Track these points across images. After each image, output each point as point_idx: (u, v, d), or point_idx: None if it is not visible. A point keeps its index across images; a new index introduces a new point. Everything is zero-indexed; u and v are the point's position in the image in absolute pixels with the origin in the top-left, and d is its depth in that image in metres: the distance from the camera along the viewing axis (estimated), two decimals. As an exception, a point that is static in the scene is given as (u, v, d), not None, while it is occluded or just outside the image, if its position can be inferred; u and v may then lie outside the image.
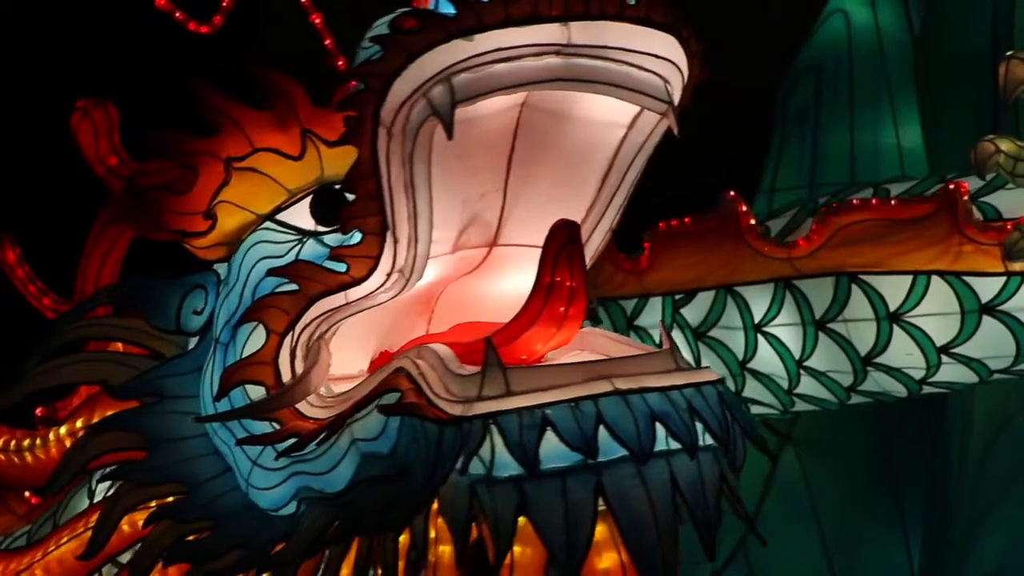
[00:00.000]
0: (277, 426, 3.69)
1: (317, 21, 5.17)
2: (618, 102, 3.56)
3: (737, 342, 5.79)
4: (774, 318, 5.70)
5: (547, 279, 3.55)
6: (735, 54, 8.18)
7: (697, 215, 5.87)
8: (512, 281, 3.91)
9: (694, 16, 3.55)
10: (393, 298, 3.68)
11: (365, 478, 3.56)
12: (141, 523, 4.02)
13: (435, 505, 3.48)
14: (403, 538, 3.60)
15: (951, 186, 5.34)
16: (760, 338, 5.74)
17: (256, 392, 3.73)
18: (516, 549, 3.55)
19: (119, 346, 4.26)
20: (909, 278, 5.41)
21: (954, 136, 7.10)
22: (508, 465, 3.30)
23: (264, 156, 3.89)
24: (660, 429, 3.31)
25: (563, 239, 3.55)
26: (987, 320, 5.31)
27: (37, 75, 8.11)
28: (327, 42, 5.09)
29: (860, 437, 7.74)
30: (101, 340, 4.25)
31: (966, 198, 5.29)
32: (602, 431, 3.27)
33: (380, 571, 3.65)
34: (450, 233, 3.79)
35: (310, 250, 3.80)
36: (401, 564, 3.61)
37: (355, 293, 3.65)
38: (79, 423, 4.29)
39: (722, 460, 3.42)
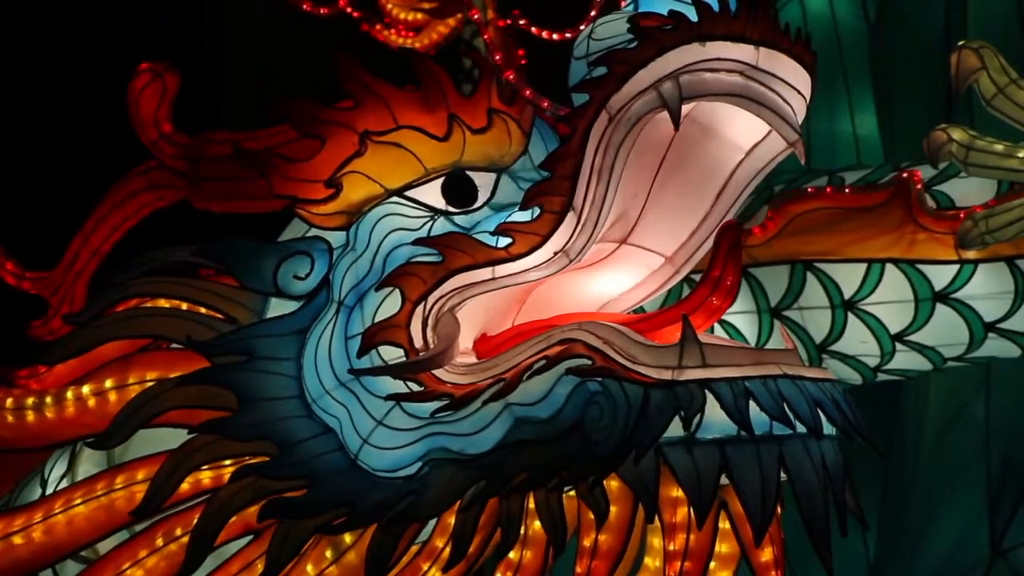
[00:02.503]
0: (416, 387, 3.75)
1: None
2: (748, 127, 3.85)
3: (694, 330, 5.80)
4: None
5: (717, 272, 3.81)
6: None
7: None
8: (611, 281, 4.11)
9: (808, 47, 3.86)
10: (546, 276, 3.78)
11: (516, 440, 3.66)
12: (185, 485, 3.90)
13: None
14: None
15: (905, 175, 5.37)
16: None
17: (389, 355, 3.78)
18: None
19: (163, 303, 4.16)
20: (863, 266, 5.44)
21: (909, 124, 7.14)
22: (714, 428, 3.56)
23: (408, 133, 3.92)
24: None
25: (732, 239, 3.81)
26: (941, 308, 5.35)
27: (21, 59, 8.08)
28: (486, 36, 5.09)
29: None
30: (169, 298, 4.14)
31: (920, 187, 5.33)
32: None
33: (536, 531, 3.86)
34: (607, 224, 3.90)
35: (441, 227, 3.89)
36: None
37: (504, 269, 3.75)
38: (108, 383, 4.13)
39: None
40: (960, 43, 5.24)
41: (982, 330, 5.38)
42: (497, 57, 4.62)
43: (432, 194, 3.94)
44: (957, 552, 7.21)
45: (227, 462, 3.92)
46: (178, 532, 3.95)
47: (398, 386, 3.80)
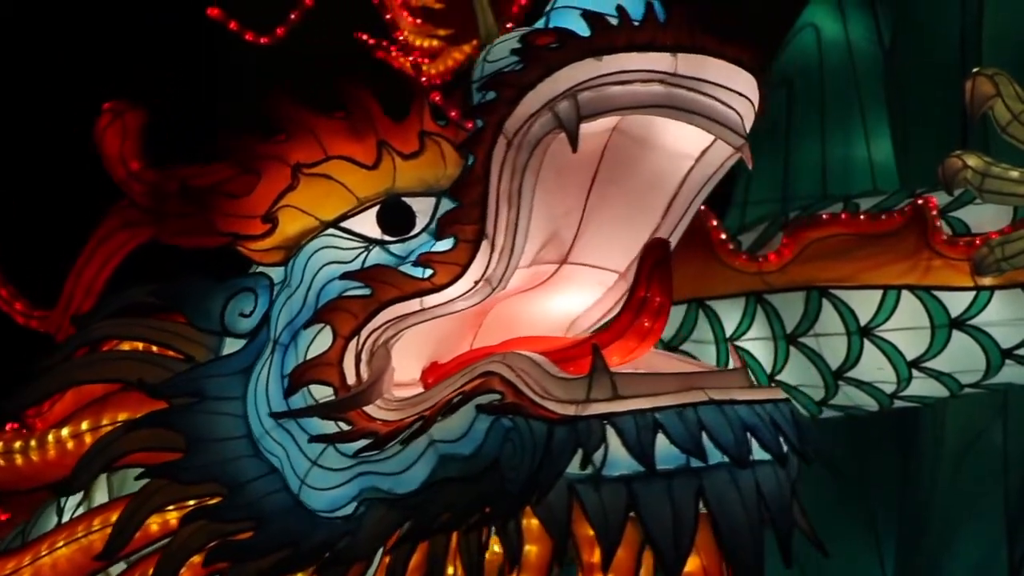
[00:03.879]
0: (345, 426, 3.72)
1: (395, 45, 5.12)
2: (692, 134, 3.70)
3: (709, 356, 5.80)
4: (745, 332, 5.71)
5: (641, 293, 3.67)
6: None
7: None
8: (563, 300, 4.00)
9: (747, 46, 3.71)
10: (471, 307, 3.73)
11: (442, 479, 3.60)
12: (153, 527, 3.94)
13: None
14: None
15: (920, 201, 5.37)
16: (730, 350, 5.75)
17: (319, 393, 3.74)
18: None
19: (126, 346, 4.19)
20: (879, 292, 5.43)
21: (924, 150, 7.13)
22: (620, 465, 3.39)
23: (337, 163, 3.89)
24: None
25: (658, 256, 3.68)
26: (957, 335, 5.34)
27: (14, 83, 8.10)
28: (407, 59, 5.08)
29: (833, 451, 7.75)
30: (130, 340, 4.17)
31: (935, 213, 5.32)
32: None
33: (461, 571, 3.71)
34: (533, 247, 3.83)
35: (375, 258, 3.82)
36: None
37: (432, 300, 3.69)
38: (84, 425, 4.17)
39: (792, 473, 3.54)
40: (975, 70, 5.24)
41: (999, 356, 5.36)
42: (424, 79, 4.57)
43: (367, 224, 3.87)
44: (976, 577, 7.18)
45: (191, 503, 3.89)
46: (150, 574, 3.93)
47: (331, 426, 3.74)
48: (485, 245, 3.62)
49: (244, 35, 5.27)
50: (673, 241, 3.96)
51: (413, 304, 3.69)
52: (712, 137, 3.72)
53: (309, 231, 3.90)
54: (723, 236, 5.70)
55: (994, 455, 7.18)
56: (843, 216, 5.57)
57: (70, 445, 4.13)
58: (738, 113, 3.68)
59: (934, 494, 7.36)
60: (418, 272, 3.68)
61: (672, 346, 5.83)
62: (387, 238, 3.84)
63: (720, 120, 3.62)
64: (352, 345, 3.69)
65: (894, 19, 8.21)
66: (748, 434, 3.40)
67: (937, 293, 5.31)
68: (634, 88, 3.54)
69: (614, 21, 3.53)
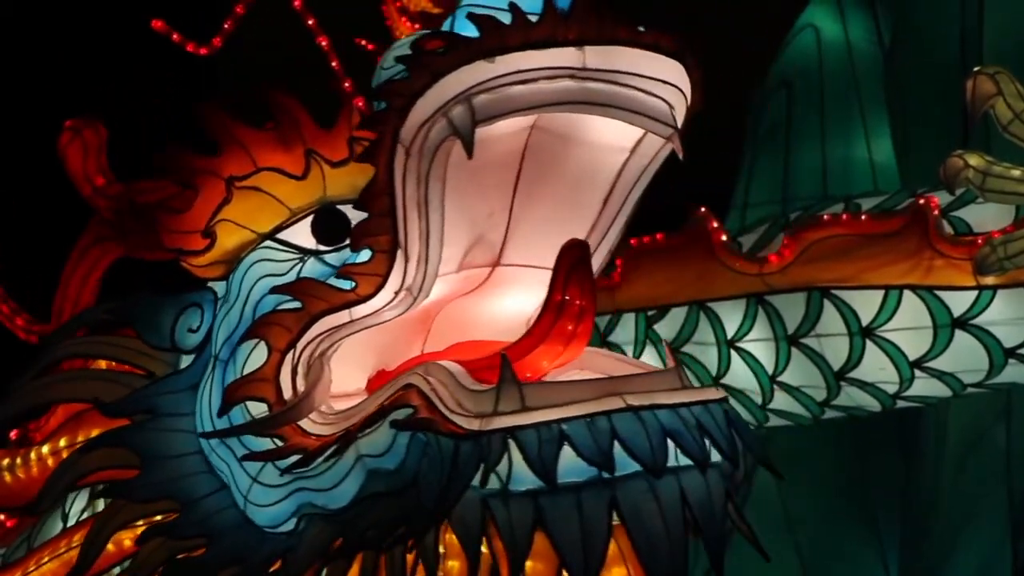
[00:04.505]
0: (280, 443, 3.70)
1: (324, 44, 5.14)
2: (622, 126, 3.61)
3: (710, 358, 5.79)
4: (747, 333, 5.70)
5: (558, 297, 3.59)
6: (706, 70, 8.18)
7: (668, 231, 5.87)
8: (511, 301, 3.92)
9: (664, 32, 3.59)
10: (398, 316, 3.70)
11: (370, 494, 3.56)
12: (126, 542, 3.99)
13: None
14: (409, 554, 3.62)
15: (921, 201, 5.35)
16: (733, 353, 5.74)
17: (256, 409, 3.72)
18: (528, 564, 3.56)
19: (102, 364, 4.22)
20: (881, 293, 5.42)
21: (925, 150, 7.12)
22: (525, 479, 3.32)
23: (267, 175, 3.89)
24: (670, 445, 3.34)
25: (574, 258, 3.61)
26: (959, 334, 5.32)
27: (13, 94, 8.08)
28: (335, 64, 5.08)
29: (835, 452, 7.74)
30: (93, 358, 4.21)
31: (936, 213, 5.31)
32: (616, 447, 3.30)
33: None
34: (457, 252, 3.81)
35: (311, 269, 3.80)
36: None
37: (360, 311, 3.66)
38: (62, 442, 4.23)
39: (727, 477, 3.46)
40: (976, 68, 5.23)
41: (1002, 356, 5.34)
42: (347, 84, 4.54)
43: (302, 234, 3.86)
44: (980, 578, 7.16)
45: (140, 521, 3.92)
46: None
47: (269, 443, 3.73)
48: (400, 255, 3.57)
49: (186, 47, 5.29)
50: (614, 236, 3.92)
51: (343, 316, 3.66)
52: (641, 129, 3.64)
53: (247, 244, 3.91)
54: (724, 238, 5.69)
55: (997, 456, 7.17)
56: (844, 217, 5.55)
57: (50, 462, 4.20)
58: (666, 102, 3.59)
59: (937, 495, 7.35)
60: (344, 284, 3.65)
61: (674, 348, 5.83)
62: (322, 248, 3.82)
63: (642, 111, 3.54)
64: (288, 359, 3.67)
65: (894, 19, 8.20)
66: (668, 440, 3.32)
67: (939, 293, 5.29)
68: (539, 86, 3.45)
69: (507, 20, 3.42)
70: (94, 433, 4.08)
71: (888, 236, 5.37)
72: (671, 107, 3.61)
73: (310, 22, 5.29)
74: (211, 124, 3.91)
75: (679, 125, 3.64)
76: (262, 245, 3.91)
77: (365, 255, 3.63)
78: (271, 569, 3.77)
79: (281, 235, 3.90)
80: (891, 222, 5.39)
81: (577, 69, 3.47)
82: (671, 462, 3.34)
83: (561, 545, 3.31)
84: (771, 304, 5.63)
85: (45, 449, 4.24)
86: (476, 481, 3.37)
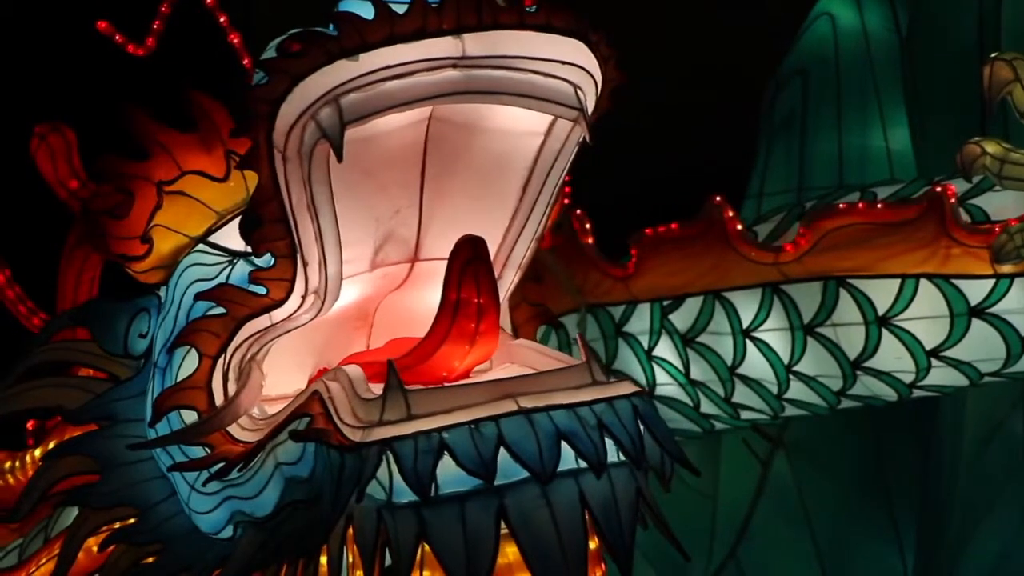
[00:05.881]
0: (210, 451, 3.66)
1: (235, 41, 5.14)
2: (527, 111, 3.51)
3: (726, 347, 5.78)
4: (762, 323, 5.68)
5: (452, 296, 3.52)
6: (721, 58, 8.16)
7: (684, 221, 5.85)
8: (438, 295, 3.81)
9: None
10: (313, 319, 3.65)
11: (289, 502, 3.56)
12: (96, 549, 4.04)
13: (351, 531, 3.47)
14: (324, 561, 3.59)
15: (938, 189, 5.32)
16: (749, 343, 5.72)
17: (191, 416, 3.71)
18: (426, 574, 3.50)
19: (89, 370, 4.25)
20: (897, 281, 5.39)
21: (942, 138, 7.08)
22: (406, 491, 3.24)
23: (192, 179, 3.90)
24: (568, 448, 3.24)
25: (467, 256, 3.52)
26: (976, 323, 5.29)
27: (11, 93, 8.09)
28: (245, 62, 5.07)
29: (851, 442, 7.72)
30: (65, 364, 4.25)
31: (953, 201, 5.28)
32: (508, 453, 3.22)
33: None
34: (365, 251, 3.76)
35: (240, 271, 3.74)
36: None
37: (278, 315, 3.62)
38: (52, 445, 4.30)
39: (638, 476, 3.35)
40: (993, 55, 5.19)
41: (1019, 345, 5.31)
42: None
43: (233, 236, 3.81)
44: (997, 569, 7.12)
45: (105, 528, 3.96)
46: None
47: (202, 450, 3.71)
48: (299, 259, 3.51)
49: (127, 47, 5.31)
50: (542, 220, 3.83)
51: (263, 320, 3.62)
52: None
53: (182, 248, 3.92)
54: (739, 227, 5.67)
55: (1015, 444, 7.13)
56: (860, 205, 5.52)
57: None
58: (570, 83, 3.48)
59: (954, 484, 7.32)
60: (259, 289, 3.61)
61: (689, 338, 5.82)
62: (250, 249, 3.73)
63: (539, 95, 3.43)
64: (219, 364, 3.64)
65: (911, 6, 8.15)
66: (561, 443, 3.22)
67: (956, 281, 5.26)
68: (417, 79, 3.33)
69: (370, 15, 3.30)
70: (65, 439, 4.17)
71: (905, 225, 5.34)
72: (577, 88, 3.50)
73: (222, 19, 5.28)
74: (136, 128, 3.91)
75: (589, 106, 3.55)
76: (195, 249, 3.91)
77: (271, 260, 3.58)
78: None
79: (213, 237, 3.91)
80: (908, 210, 5.36)
81: (458, 59, 3.35)
82: (570, 465, 3.25)
83: (444, 558, 3.23)
84: (787, 293, 5.61)
85: (38, 452, 4.33)
86: (377, 491, 3.30)
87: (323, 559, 3.52)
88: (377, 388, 3.41)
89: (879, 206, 5.47)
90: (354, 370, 3.51)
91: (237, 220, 3.78)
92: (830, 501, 7.79)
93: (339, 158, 3.31)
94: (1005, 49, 5.63)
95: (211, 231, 3.90)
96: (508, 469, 3.22)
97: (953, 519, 7.34)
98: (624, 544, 3.26)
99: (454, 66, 3.35)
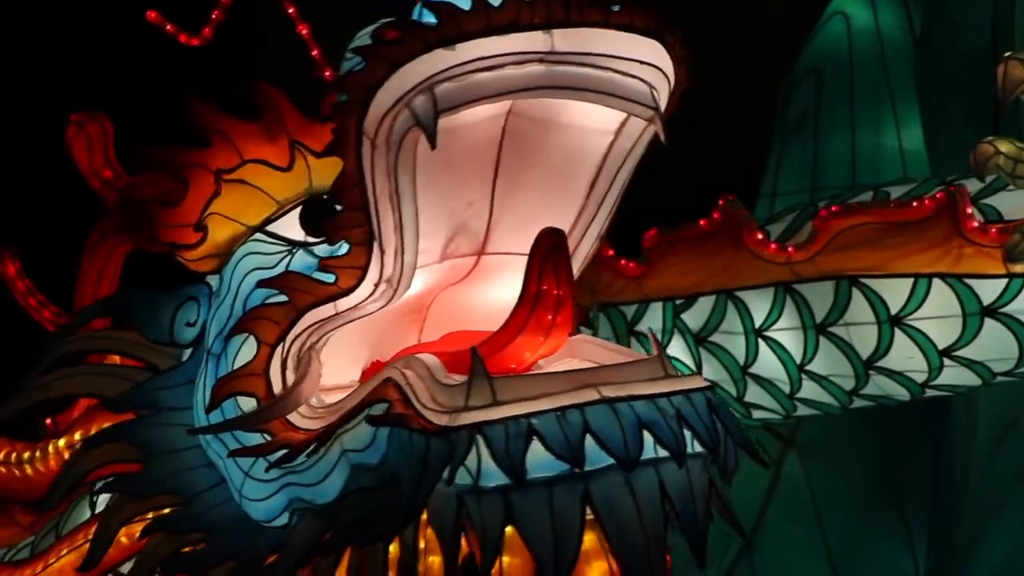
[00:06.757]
0: (268, 438, 3.68)
1: (304, 32, 5.17)
2: (602, 109, 3.55)
3: (738, 347, 5.78)
4: (775, 322, 5.68)
5: (533, 288, 3.55)
6: (735, 57, 8.16)
7: (697, 220, 5.85)
8: (501, 289, 3.89)
9: (694, 20, 3.55)
10: (382, 308, 3.67)
11: (355, 489, 3.57)
12: (138, 535, 4.03)
13: (425, 515, 3.49)
14: (393, 548, 3.59)
15: (951, 188, 5.32)
16: (761, 343, 5.72)
17: (248, 404, 3.73)
18: (505, 559, 3.54)
19: (116, 358, 4.26)
20: (910, 281, 5.38)
21: (955, 138, 7.08)
22: (494, 475, 3.29)
23: (253, 168, 3.90)
24: (648, 437, 3.30)
25: (548, 247, 3.56)
26: (989, 322, 5.28)
27: (32, 85, 8.11)
28: (314, 53, 5.10)
29: (863, 441, 7.72)
30: (99, 352, 4.25)
31: (966, 200, 5.27)
32: (591, 440, 3.27)
33: None
34: (438, 242, 3.78)
35: (300, 261, 3.80)
36: (392, 575, 3.60)
37: (344, 304, 3.65)
38: (77, 435, 4.29)
39: (711, 467, 3.41)
40: (1007, 54, 5.19)
41: (1032, 344, 5.31)
42: (327, 73, 4.54)
43: (291, 226, 3.87)
44: (1009, 568, 7.11)
45: (148, 515, 3.97)
46: None
47: (257, 437, 3.73)
48: (376, 247, 3.54)
49: (179, 38, 5.33)
50: (602, 220, 3.88)
51: (328, 309, 3.65)
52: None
53: (238, 237, 3.93)
54: (752, 226, 5.67)
55: (1028, 444, 7.13)
56: (873, 204, 5.52)
57: (67, 455, 4.23)
58: (646, 83, 3.53)
59: (966, 484, 7.31)
60: (326, 277, 3.63)
61: (701, 337, 5.82)
62: (310, 240, 3.82)
63: (619, 93, 3.48)
64: (278, 353, 3.66)
65: (924, 5, 8.14)
66: (643, 432, 3.28)
67: (969, 281, 5.25)
68: (506, 72, 3.38)
69: (466, 6, 3.35)
70: (107, 426, 4.14)
71: (917, 224, 5.34)
72: (652, 88, 3.55)
73: (290, 10, 5.30)
74: (197, 116, 3.92)
75: (661, 106, 3.59)
76: (252, 238, 3.93)
77: (344, 248, 3.62)
78: (266, 563, 3.78)
79: (270, 227, 3.92)
80: (920, 210, 5.35)
81: (545, 53, 3.40)
82: (649, 454, 3.30)
83: (532, 541, 3.27)
84: (799, 293, 5.61)
85: (61, 443, 4.31)
86: (461, 475, 3.33)
87: (392, 546, 3.56)
88: (455, 377, 3.45)
89: (892, 205, 5.47)
90: (429, 358, 3.54)
91: (296, 210, 3.85)
92: (842, 501, 7.80)
93: (432, 146, 3.35)
94: (1019, 48, 5.62)
95: (269, 220, 3.91)
96: (591, 456, 3.27)
97: (965, 519, 7.33)
98: (699, 531, 3.33)
99: (540, 60, 3.40)
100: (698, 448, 3.37)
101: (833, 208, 5.58)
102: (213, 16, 5.29)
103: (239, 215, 3.92)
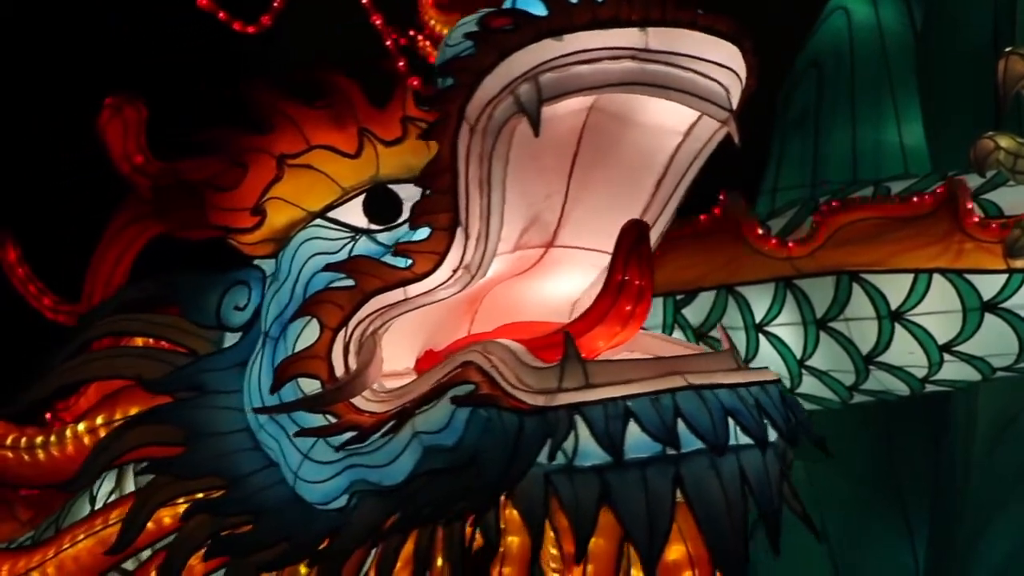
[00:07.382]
0: (332, 419, 3.69)
1: (378, 22, 5.18)
2: (677, 109, 3.61)
3: (738, 342, 5.77)
4: (775, 318, 5.69)
5: (618, 277, 3.61)
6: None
7: (698, 215, 5.86)
8: (561, 283, 3.96)
9: (721, 16, 3.61)
10: (455, 295, 3.67)
11: (427, 470, 3.58)
12: (166, 520, 4.00)
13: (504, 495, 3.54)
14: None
15: (952, 184, 5.32)
16: (761, 338, 5.73)
17: (309, 386, 3.73)
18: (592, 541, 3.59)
19: (138, 342, 4.23)
20: (910, 276, 5.39)
21: (956, 133, 7.07)
22: (591, 455, 3.34)
23: (320, 153, 3.91)
24: (730, 424, 3.38)
25: (634, 238, 3.61)
26: (989, 318, 5.29)
27: (40, 74, 8.11)
28: (388, 43, 5.10)
29: (863, 437, 7.72)
30: (135, 336, 4.21)
31: (967, 196, 5.27)
32: (680, 424, 3.34)
33: (442, 562, 3.68)
34: (514, 232, 3.80)
35: (363, 247, 3.82)
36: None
37: (415, 289, 3.67)
38: (99, 420, 4.24)
39: (784, 456, 3.50)
40: (1008, 49, 5.19)
41: (1032, 340, 5.32)
42: (401, 64, 4.54)
43: (354, 213, 3.88)
44: (1010, 565, 7.12)
45: (180, 499, 3.94)
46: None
47: (321, 419, 3.74)
48: (460, 233, 3.57)
49: (232, 25, 5.32)
50: (665, 220, 3.91)
51: (397, 294, 3.66)
52: (697, 112, 3.64)
53: (297, 222, 3.92)
54: (753, 222, 5.68)
55: (1028, 440, 7.13)
56: (873, 200, 5.52)
57: (86, 440, 4.21)
58: (722, 85, 3.59)
59: (966, 480, 7.31)
60: (399, 262, 3.65)
61: (702, 332, 5.82)
62: (374, 227, 3.84)
63: (700, 94, 3.53)
64: (340, 337, 3.67)
65: (926, 1, 8.14)
66: (728, 419, 3.36)
67: (969, 276, 5.26)
68: (603, 66, 3.45)
69: None
70: (132, 411, 4.11)
71: (918, 219, 5.35)
72: (727, 90, 3.61)
73: (364, 1, 5.30)
74: (261, 102, 3.93)
75: (734, 109, 3.64)
76: (313, 223, 3.92)
77: (423, 233, 3.64)
78: (320, 546, 3.78)
79: (332, 214, 3.92)
80: (921, 205, 5.36)
81: (639, 50, 3.46)
82: (732, 440, 3.38)
83: (627, 521, 3.33)
84: (800, 288, 5.61)
85: (81, 427, 4.24)
86: (542, 457, 3.38)
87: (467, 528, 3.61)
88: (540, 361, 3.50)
89: (892, 201, 5.48)
90: (511, 342, 3.58)
91: (359, 198, 3.86)
92: (842, 497, 7.79)
93: (536, 133, 3.39)
94: (1020, 44, 5.62)
95: (331, 207, 3.91)
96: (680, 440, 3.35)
97: (965, 515, 7.33)
98: (775, 515, 3.42)
99: (632, 57, 3.45)
100: (772, 437, 3.45)
101: (834, 203, 5.59)
102: (275, 4, 5.27)
103: (301, 200, 3.92)
